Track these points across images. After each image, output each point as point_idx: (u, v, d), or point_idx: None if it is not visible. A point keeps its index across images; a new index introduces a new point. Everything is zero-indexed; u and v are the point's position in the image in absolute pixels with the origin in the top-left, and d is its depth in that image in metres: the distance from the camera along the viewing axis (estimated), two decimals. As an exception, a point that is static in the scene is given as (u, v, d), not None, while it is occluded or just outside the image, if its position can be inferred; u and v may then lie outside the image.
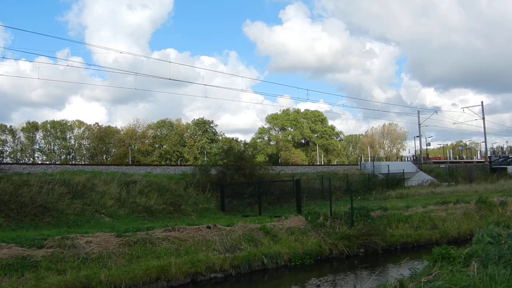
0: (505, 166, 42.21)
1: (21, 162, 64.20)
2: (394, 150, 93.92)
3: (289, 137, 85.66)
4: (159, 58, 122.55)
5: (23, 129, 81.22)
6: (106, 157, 79.26)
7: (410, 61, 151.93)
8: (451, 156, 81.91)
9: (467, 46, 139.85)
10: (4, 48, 46.94)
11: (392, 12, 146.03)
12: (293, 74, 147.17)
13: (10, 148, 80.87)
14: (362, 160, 69.19)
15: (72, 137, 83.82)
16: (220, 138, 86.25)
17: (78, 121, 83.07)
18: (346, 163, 74.95)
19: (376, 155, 76.76)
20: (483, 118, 51.70)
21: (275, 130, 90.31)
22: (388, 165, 33.32)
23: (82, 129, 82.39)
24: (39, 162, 57.99)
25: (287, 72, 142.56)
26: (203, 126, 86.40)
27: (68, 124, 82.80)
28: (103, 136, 77.65)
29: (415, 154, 56.91)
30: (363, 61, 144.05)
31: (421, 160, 50.06)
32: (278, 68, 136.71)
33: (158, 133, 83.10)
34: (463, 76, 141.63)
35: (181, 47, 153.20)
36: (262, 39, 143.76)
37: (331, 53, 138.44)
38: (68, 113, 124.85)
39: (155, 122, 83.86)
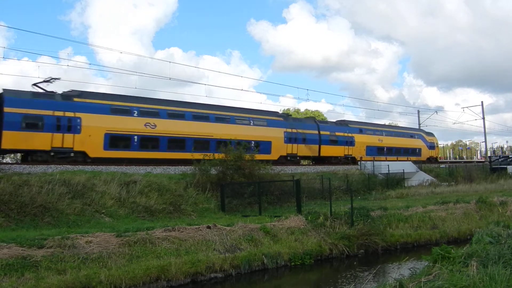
0: (505, 166, 42.15)
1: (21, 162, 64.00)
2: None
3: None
4: (161, 57, 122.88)
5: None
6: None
7: (414, 61, 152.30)
8: (451, 156, 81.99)
9: (472, 46, 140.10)
10: (5, 48, 46.89)
11: (398, 12, 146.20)
12: (298, 73, 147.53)
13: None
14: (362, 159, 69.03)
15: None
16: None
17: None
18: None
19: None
20: (483, 118, 51.85)
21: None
22: (388, 165, 33.30)
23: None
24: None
25: (291, 72, 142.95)
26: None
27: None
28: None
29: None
30: (368, 61, 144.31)
31: (421, 160, 50.06)
32: (283, 68, 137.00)
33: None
34: (467, 76, 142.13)
35: (186, 46, 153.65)
36: (267, 39, 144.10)
37: (336, 52, 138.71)
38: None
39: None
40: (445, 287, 6.02)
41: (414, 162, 40.60)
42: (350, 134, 38.40)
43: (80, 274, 10.24)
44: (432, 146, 49.49)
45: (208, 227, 13.84)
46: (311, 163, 37.98)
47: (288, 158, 32.68)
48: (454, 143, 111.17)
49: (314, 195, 24.29)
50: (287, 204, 21.64)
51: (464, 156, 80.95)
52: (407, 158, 42.11)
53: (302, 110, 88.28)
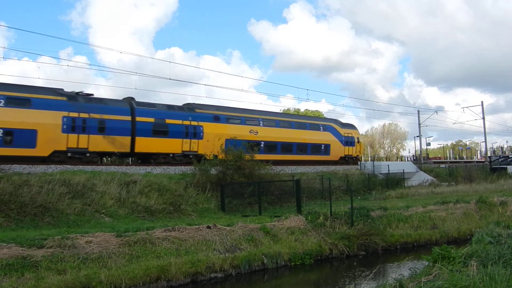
0: (505, 166, 42.20)
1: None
2: (394, 150, 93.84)
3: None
4: (161, 57, 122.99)
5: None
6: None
7: (415, 61, 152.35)
8: (451, 156, 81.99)
9: (472, 46, 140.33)
10: (5, 48, 46.83)
11: (398, 12, 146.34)
12: (298, 73, 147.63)
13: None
14: (362, 160, 69.15)
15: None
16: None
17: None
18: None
19: (376, 155, 76.64)
20: (483, 118, 51.87)
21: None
22: (388, 165, 33.38)
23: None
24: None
25: (292, 72, 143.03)
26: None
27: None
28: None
29: (415, 154, 56.88)
30: (369, 61, 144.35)
31: (421, 160, 50.07)
32: (283, 68, 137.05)
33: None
34: (467, 76, 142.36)
35: (186, 46, 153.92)
36: (267, 39, 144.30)
37: (336, 52, 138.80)
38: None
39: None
40: (445, 287, 6.01)
41: (319, 162, 33.28)
42: (195, 123, 27.66)
43: (80, 274, 10.24)
44: (350, 142, 38.12)
45: (208, 227, 13.84)
46: (128, 163, 28.02)
47: (69, 154, 23.33)
48: (454, 143, 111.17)
49: (314, 195, 24.31)
50: (287, 204, 21.65)
51: (464, 156, 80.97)
52: (308, 157, 33.37)
53: (302, 110, 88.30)
